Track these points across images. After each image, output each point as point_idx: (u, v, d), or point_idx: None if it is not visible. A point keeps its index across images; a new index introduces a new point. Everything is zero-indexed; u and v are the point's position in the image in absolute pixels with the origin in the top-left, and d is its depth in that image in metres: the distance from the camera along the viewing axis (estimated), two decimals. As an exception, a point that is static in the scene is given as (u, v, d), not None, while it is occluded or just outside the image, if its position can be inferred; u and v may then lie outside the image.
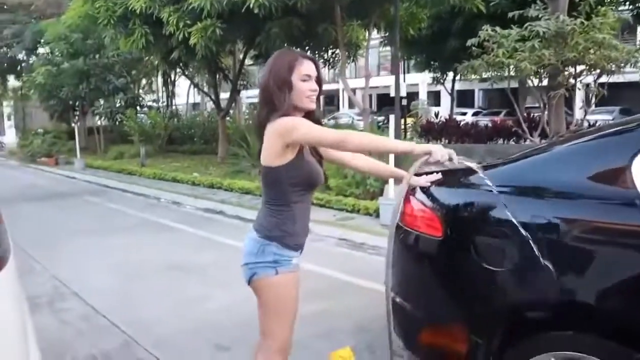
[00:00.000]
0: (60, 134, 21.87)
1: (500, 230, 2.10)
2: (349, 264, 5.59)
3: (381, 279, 4.72)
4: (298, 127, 2.02)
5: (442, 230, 2.29)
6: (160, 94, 28.15)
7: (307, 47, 13.29)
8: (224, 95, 18.66)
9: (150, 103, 24.34)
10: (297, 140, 2.06)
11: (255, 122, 2.33)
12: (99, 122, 23.07)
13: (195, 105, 35.36)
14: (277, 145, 2.06)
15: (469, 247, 2.18)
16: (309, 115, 2.16)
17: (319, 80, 2.17)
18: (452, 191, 2.41)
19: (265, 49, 11.61)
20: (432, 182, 2.42)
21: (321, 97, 2.27)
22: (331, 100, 43.90)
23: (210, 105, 26.61)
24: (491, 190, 2.20)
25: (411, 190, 2.57)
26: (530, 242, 2.02)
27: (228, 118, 17.47)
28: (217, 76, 17.12)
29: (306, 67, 2.13)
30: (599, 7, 7.27)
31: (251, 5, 9.06)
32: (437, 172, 2.45)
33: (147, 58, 19.70)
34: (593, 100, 7.93)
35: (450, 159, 2.00)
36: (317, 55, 14.64)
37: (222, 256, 6.03)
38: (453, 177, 2.42)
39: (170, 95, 26.28)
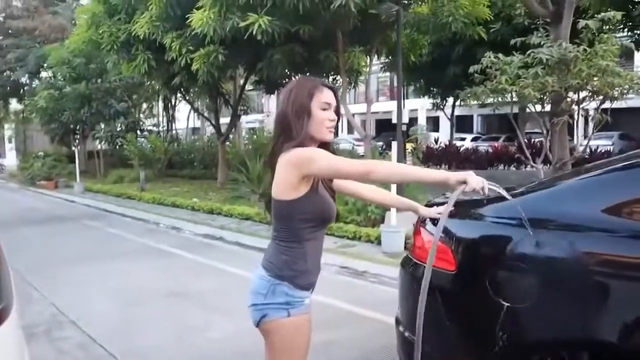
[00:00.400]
0: (60, 157, 21.90)
1: (517, 265, 2.03)
2: (350, 292, 5.49)
3: (384, 308, 4.67)
4: (317, 158, 1.88)
5: (455, 264, 2.22)
6: (160, 118, 28.24)
7: (308, 74, 13.34)
8: (224, 120, 18.70)
9: (150, 127, 24.44)
10: (316, 172, 1.93)
11: (267, 151, 2.11)
12: (99, 146, 23.09)
13: (195, 130, 35.45)
14: (292, 177, 1.91)
15: (484, 282, 2.10)
16: (325, 146, 2.03)
17: (338, 110, 2.07)
18: (466, 223, 2.34)
19: (266, 75, 11.66)
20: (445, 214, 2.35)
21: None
22: (331, 125, 43.91)
23: (210, 130, 26.67)
24: (505, 223, 2.14)
25: (421, 222, 2.51)
26: (547, 276, 1.95)
27: (228, 143, 17.48)
28: (218, 101, 17.19)
29: (326, 95, 2.02)
30: (601, 34, 7.29)
31: (254, 32, 9.10)
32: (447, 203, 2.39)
33: (148, 83, 19.82)
34: (591, 126, 7.90)
35: (482, 188, 1.87)
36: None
37: (223, 283, 5.93)
38: (466, 209, 2.35)
39: (171, 119, 26.37)
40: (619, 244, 1.92)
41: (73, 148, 22.72)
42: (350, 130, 32.71)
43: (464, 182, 1.86)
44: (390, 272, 6.03)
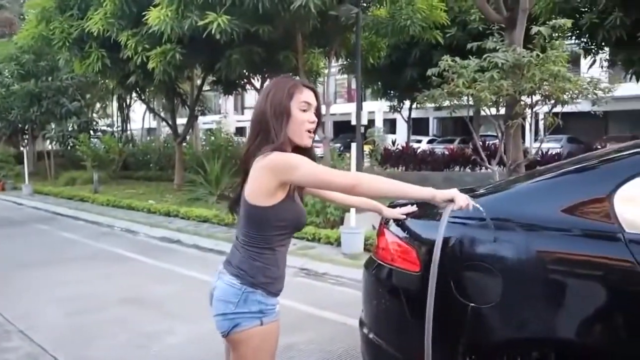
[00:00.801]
0: (7, 158, 21.03)
1: (481, 265, 2.05)
2: (311, 294, 5.47)
3: (345, 310, 4.67)
4: (298, 166, 1.79)
5: (419, 265, 2.22)
6: (115, 119, 27.55)
7: (266, 74, 13.27)
8: (181, 121, 18.40)
9: (104, 127, 23.80)
10: (297, 180, 1.85)
11: (242, 153, 2.01)
12: (49, 147, 22.33)
13: (151, 131, 34.76)
14: (269, 184, 1.82)
15: (448, 282, 2.11)
16: (304, 152, 1.93)
17: (318, 112, 1.97)
18: (430, 223, 2.35)
19: (224, 75, 11.52)
20: (408, 215, 2.36)
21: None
22: (289, 126, 43.86)
23: (166, 130, 26.20)
24: (468, 223, 2.16)
25: (385, 223, 2.51)
26: (510, 276, 1.98)
27: (185, 144, 17.20)
28: (175, 101, 16.90)
29: (306, 95, 1.93)
30: (552, 40, 7.52)
31: (213, 31, 8.98)
32: (412, 203, 2.40)
33: (102, 81, 19.30)
34: (546, 129, 8.14)
35: (467, 205, 1.92)
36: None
37: (181, 288, 5.81)
38: (431, 209, 2.36)
39: (126, 119, 25.76)
40: (578, 243, 1.97)
41: (21, 148, 21.93)
42: (308, 131, 32.61)
43: (451, 200, 1.90)
44: (350, 274, 6.05)
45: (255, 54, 10.60)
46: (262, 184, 1.84)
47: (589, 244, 1.95)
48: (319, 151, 14.79)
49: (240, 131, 36.37)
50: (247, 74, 13.07)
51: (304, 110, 1.92)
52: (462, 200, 1.89)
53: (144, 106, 23.07)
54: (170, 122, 16.71)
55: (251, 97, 35.08)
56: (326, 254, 7.14)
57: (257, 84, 14.11)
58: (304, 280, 6.18)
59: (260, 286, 1.91)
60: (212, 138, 17.13)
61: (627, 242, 1.82)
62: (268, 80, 13.91)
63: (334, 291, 5.73)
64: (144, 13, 10.01)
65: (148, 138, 29.15)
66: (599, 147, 15.90)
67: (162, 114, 20.35)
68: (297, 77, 12.86)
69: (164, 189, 15.09)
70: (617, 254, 1.81)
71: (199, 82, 16.82)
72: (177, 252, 7.99)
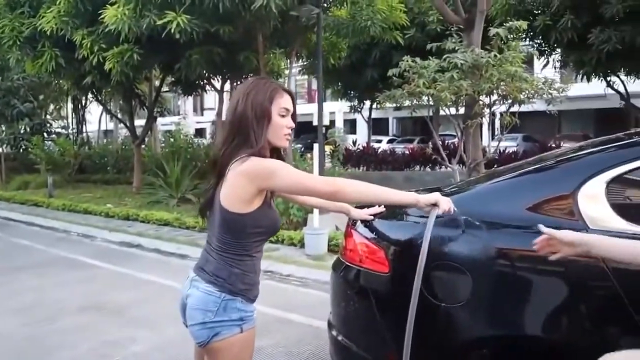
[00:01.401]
0: (-46, 162, 20.18)
1: (450, 264, 2.07)
2: (276, 297, 5.43)
3: (310, 312, 4.65)
4: (279, 173, 1.79)
5: (388, 266, 2.22)
6: (70, 120, 26.77)
7: (227, 75, 13.13)
8: (140, 123, 18.03)
9: (59, 129, 23.09)
10: (277, 187, 1.85)
11: (215, 155, 1.95)
12: (0, 150, 21.52)
13: (108, 133, 33.94)
14: (248, 191, 1.80)
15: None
16: (277, 150, 1.96)
17: (294, 116, 1.99)
18: (398, 224, 2.36)
19: (184, 76, 11.32)
20: (376, 215, 2.35)
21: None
22: (250, 127, 43.63)
23: (124, 132, 25.62)
24: (437, 222, 2.17)
25: (352, 225, 2.50)
26: (479, 275, 2.00)
27: (143, 146, 16.86)
28: (133, 102, 16.53)
29: (286, 100, 1.93)
30: (509, 41, 7.70)
31: (172, 31, 8.81)
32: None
33: (56, 82, 18.72)
34: (504, 128, 8.32)
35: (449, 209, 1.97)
36: (237, 83, 14.52)
37: (142, 293, 5.68)
38: (398, 209, 2.36)
39: (81, 121, 25.07)
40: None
41: (-30, 152, 21.07)
42: (269, 132, 32.48)
43: (435, 205, 1.94)
44: (315, 275, 6.04)
45: (216, 55, 10.45)
46: (239, 190, 1.81)
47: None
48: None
49: (199, 132, 35.95)
50: (207, 74, 12.88)
51: (283, 116, 1.92)
52: (445, 203, 1.94)
53: (100, 107, 22.52)
54: (128, 124, 16.34)
55: (211, 98, 34.69)
56: (290, 256, 7.11)
57: (218, 85, 13.94)
58: (269, 282, 6.13)
59: (239, 293, 1.89)
60: (172, 140, 16.85)
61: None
62: (229, 81, 13.78)
63: (299, 293, 5.71)
64: (99, 11, 9.74)
65: (105, 140, 28.42)
66: (553, 145, 16.41)
67: (119, 116, 19.86)
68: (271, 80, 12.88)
69: (122, 192, 14.75)
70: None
71: (157, 82, 16.51)
72: (137, 257, 7.82)
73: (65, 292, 5.82)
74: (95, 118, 29.20)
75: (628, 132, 2.57)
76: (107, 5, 9.59)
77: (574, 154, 2.28)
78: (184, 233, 8.99)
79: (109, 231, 9.55)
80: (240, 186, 1.80)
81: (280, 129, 1.91)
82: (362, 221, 2.42)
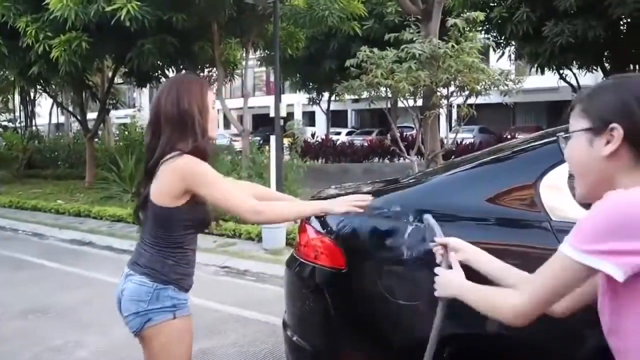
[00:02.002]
0: None
1: (408, 259, 1.97)
2: (232, 294, 5.29)
3: (267, 308, 4.52)
4: (209, 185, 1.85)
5: (344, 262, 2.11)
6: (18, 113, 25.72)
7: (182, 66, 12.78)
8: (93, 115, 17.44)
9: (5, 123, 22.16)
10: (201, 195, 1.88)
11: (148, 147, 2.01)
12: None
13: (59, 126, 32.83)
14: (177, 187, 1.85)
15: (375, 279, 2.01)
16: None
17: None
18: (354, 218, 2.24)
19: (137, 66, 10.94)
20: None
21: None
22: (207, 120, 43.10)
23: (76, 125, 24.80)
24: (394, 216, 2.07)
25: (306, 219, 2.37)
26: (429, 270, 1.90)
27: (97, 140, 16.31)
28: (84, 94, 15.95)
29: (211, 93, 2.03)
30: (466, 32, 7.70)
31: (122, 18, 8.46)
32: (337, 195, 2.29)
33: (1, 73, 17.89)
34: (461, 120, 8.35)
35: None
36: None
37: (94, 293, 5.40)
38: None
39: (30, 114, 24.11)
40: (505, 232, 1.93)
41: None
42: (227, 125, 32.16)
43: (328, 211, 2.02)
44: (272, 270, 5.91)
45: (169, 44, 10.14)
46: (169, 187, 1.86)
47: (516, 232, 1.92)
48: (237, 145, 14.51)
49: (156, 125, 35.10)
50: (161, 64, 12.51)
51: (212, 108, 2.01)
52: (339, 207, 1.95)
53: (50, 100, 21.72)
54: (79, 117, 15.77)
55: (167, 90, 33.80)
56: (247, 250, 6.96)
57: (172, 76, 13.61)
58: (225, 279, 5.98)
59: (172, 282, 1.94)
60: (126, 133, 16.37)
61: (553, 230, 1.80)
62: (184, 71, 13.44)
63: (255, 289, 5.58)
64: (45, -3, 9.30)
65: (56, 134, 27.46)
66: (509, 136, 16.71)
67: (70, 108, 19.17)
68: (215, 69, 12.48)
69: (74, 187, 14.20)
70: (544, 242, 1.78)
71: (110, 74, 15.97)
72: (88, 255, 7.51)
73: (8, 295, 5.49)
74: (46, 111, 28.20)
75: None
76: (53, -9, 9.16)
77: (535, 144, 2.21)
78: (138, 229, 8.70)
79: (59, 229, 9.16)
80: (170, 182, 1.86)
81: (213, 120, 2.00)
82: (316, 216, 2.30)
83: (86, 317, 4.71)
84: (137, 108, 27.55)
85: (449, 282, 1.43)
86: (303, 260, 2.32)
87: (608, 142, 1.09)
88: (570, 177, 1.81)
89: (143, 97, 38.55)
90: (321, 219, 2.27)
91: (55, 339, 4.19)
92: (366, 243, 2.14)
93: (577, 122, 1.16)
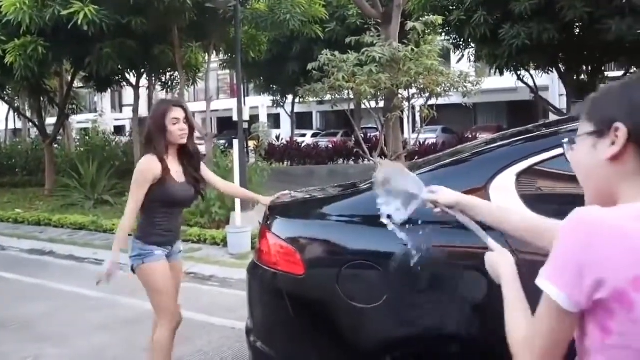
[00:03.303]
0: None
1: (366, 264, 2.01)
2: (198, 300, 5.25)
3: (233, 314, 4.52)
4: (133, 181, 2.89)
5: (303, 267, 2.14)
6: (-28, 120, 24.92)
7: (143, 70, 12.60)
8: (53, 120, 17.01)
9: (-41, 130, 21.42)
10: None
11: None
12: None
13: (16, 132, 31.89)
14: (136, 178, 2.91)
15: (333, 284, 2.05)
16: (183, 147, 2.98)
17: (188, 121, 2.93)
18: (311, 223, 2.28)
19: (96, 70, 10.74)
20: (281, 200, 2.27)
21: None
22: (171, 124, 42.58)
23: (34, 131, 24.14)
24: (351, 221, 2.12)
25: (266, 225, 2.40)
26: (396, 273, 1.96)
27: (56, 145, 15.94)
28: (42, 99, 15.55)
29: (175, 112, 2.87)
30: (426, 36, 7.86)
31: (79, 22, 8.29)
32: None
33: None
34: (423, 121, 8.51)
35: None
36: (154, 78, 13.99)
37: (54, 305, 5.28)
38: (310, 207, 2.29)
39: (-15, 120, 23.37)
40: (458, 235, 1.96)
41: None
42: (191, 128, 31.73)
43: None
44: (238, 275, 5.88)
45: (129, 48, 9.99)
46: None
47: (468, 235, 1.96)
48: (202, 149, 14.40)
49: (118, 130, 34.48)
50: (121, 69, 12.30)
51: (175, 124, 2.87)
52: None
53: (6, 105, 21.08)
54: (37, 122, 15.36)
55: (130, 94, 33.33)
56: (213, 256, 6.93)
57: (133, 80, 13.34)
58: (190, 285, 5.91)
59: (139, 238, 2.95)
60: (87, 138, 16.04)
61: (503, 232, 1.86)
62: (145, 75, 13.25)
63: (221, 294, 5.57)
64: (-3, 0, 9.03)
65: (14, 140, 26.66)
66: (470, 136, 17.04)
67: (28, 114, 18.64)
68: (177, 73, 12.28)
69: (33, 195, 13.83)
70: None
71: (69, 78, 15.61)
72: (49, 264, 7.34)
73: (-37, 308, 5.33)
74: (2, 116, 27.37)
75: (536, 125, 2.62)
76: (6, -7, 8.91)
77: (487, 147, 2.28)
78: (100, 237, 8.55)
79: (18, 238, 8.92)
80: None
81: (175, 133, 2.89)
82: (271, 218, 2.34)
83: (46, 329, 4.60)
84: (98, 112, 27.01)
85: (495, 265, 1.27)
86: (264, 267, 2.34)
87: (613, 144, 1.00)
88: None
89: (105, 101, 37.82)
90: (279, 223, 2.30)
91: (12, 354, 4.08)
92: (324, 248, 2.18)
93: (582, 127, 1.08)
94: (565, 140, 1.15)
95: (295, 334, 2.22)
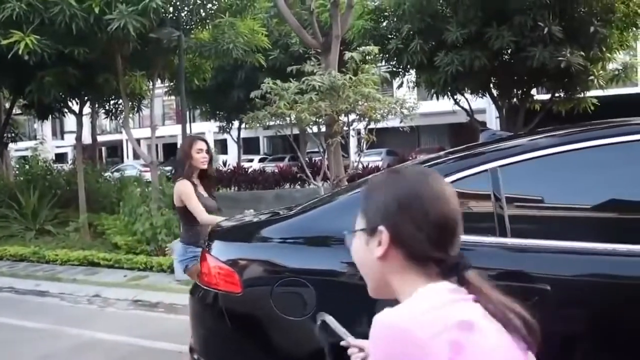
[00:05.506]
0: None
1: (294, 280, 2.23)
2: (144, 327, 5.32)
3: (180, 339, 4.61)
4: (186, 200, 3.85)
5: (241, 286, 2.35)
6: None
7: (86, 98, 12.50)
8: (-12, 149, 16.45)
9: None
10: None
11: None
12: None
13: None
14: (176, 198, 3.94)
15: (268, 301, 2.25)
16: (204, 171, 3.99)
17: (209, 150, 3.99)
18: (249, 245, 2.50)
19: (37, 98, 10.60)
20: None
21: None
22: (114, 151, 41.83)
23: (-31, 160, 23.17)
24: (286, 242, 2.35)
25: (207, 248, 2.59)
26: (321, 290, 2.18)
27: (-7, 175, 15.46)
28: (-22, 128, 15.07)
29: (199, 144, 3.95)
30: (364, 65, 8.25)
31: (20, 52, 8.25)
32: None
33: None
34: (364, 145, 8.86)
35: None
36: (97, 106, 13.88)
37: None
38: (246, 231, 2.50)
39: None
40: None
41: None
42: (137, 155, 31.33)
43: None
44: (184, 300, 5.88)
45: (71, 76, 9.93)
46: (175, 197, 3.99)
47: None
48: (147, 176, 14.30)
49: (60, 157, 33.53)
50: (63, 96, 12.15)
51: (199, 152, 3.92)
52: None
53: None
54: (-27, 152, 14.88)
55: (72, 121, 32.33)
56: (159, 282, 6.97)
57: (76, 108, 13.17)
58: (137, 312, 5.97)
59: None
60: (27, 166, 15.63)
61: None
62: (88, 103, 13.12)
63: (168, 320, 5.64)
64: None
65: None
66: (411, 158, 17.62)
67: (-37, 143, 17.97)
68: (121, 100, 12.18)
69: (-32, 227, 13.33)
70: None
71: (7, 105, 15.23)
72: (-13, 297, 7.18)
73: None
74: None
75: (468, 145, 2.84)
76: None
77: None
78: (43, 268, 8.41)
79: (-48, 272, 8.64)
80: (175, 195, 3.97)
81: (198, 160, 3.92)
82: (211, 242, 2.54)
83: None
84: (39, 140, 26.25)
85: None
86: (205, 287, 2.53)
87: (379, 245, 1.08)
88: None
89: (45, 128, 36.73)
90: (219, 247, 2.50)
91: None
92: (258, 268, 2.40)
93: (359, 222, 1.16)
94: (346, 232, 1.22)
95: (235, 349, 2.41)
